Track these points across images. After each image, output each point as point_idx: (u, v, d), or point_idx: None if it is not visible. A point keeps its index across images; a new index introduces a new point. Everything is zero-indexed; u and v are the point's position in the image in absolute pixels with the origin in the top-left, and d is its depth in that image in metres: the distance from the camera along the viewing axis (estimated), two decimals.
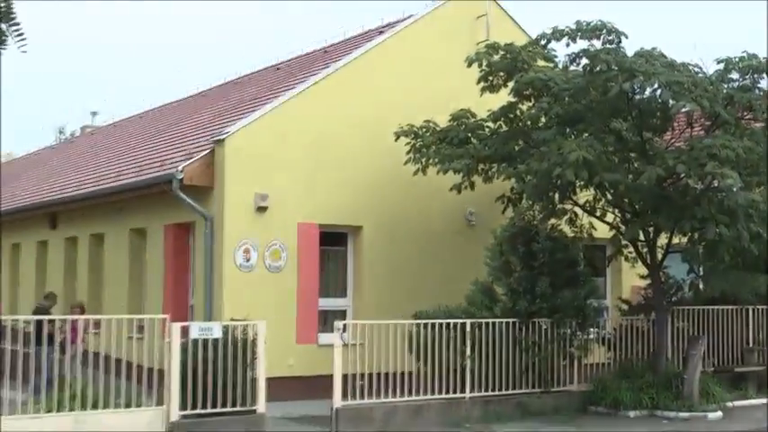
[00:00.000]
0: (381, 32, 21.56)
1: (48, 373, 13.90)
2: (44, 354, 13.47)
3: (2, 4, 7.28)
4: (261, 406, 14.30)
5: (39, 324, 13.60)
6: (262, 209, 18.29)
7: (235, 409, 14.04)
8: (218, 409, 13.89)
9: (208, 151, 18.44)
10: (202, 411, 13.76)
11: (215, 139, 18.50)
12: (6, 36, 7.27)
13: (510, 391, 17.05)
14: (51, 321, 14.93)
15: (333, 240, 19.68)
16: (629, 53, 16.78)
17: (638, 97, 17.11)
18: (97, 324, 15.34)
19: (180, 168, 18.04)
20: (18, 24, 7.30)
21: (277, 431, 15.02)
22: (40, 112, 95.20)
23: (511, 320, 17.20)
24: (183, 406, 13.62)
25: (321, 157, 19.15)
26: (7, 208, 28.32)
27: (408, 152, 18.69)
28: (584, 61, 17.09)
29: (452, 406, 16.36)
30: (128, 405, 13.60)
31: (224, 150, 18.14)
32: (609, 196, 18.25)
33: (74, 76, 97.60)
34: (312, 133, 19.10)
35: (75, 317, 16.51)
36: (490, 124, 18.55)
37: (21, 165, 42.98)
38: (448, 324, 16.56)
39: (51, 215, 25.36)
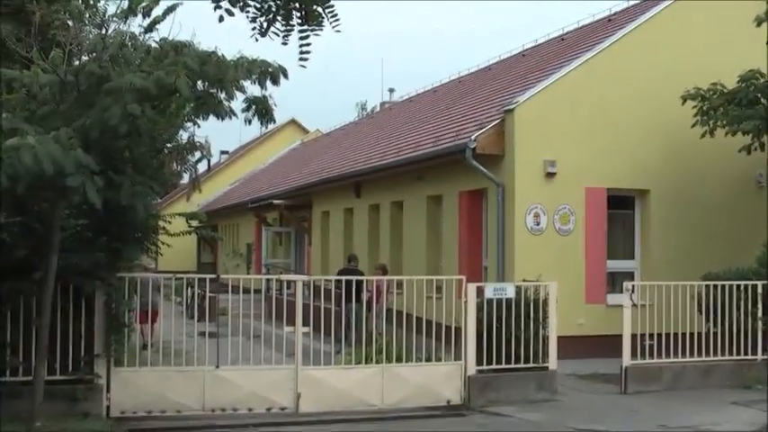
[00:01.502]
0: None
1: (354, 327, 14.46)
2: (352, 312, 13.99)
3: None
4: (552, 363, 14.22)
5: (347, 284, 14.08)
6: (550, 174, 18.12)
7: (527, 365, 14.05)
8: (512, 365, 13.93)
9: (498, 121, 18.47)
10: (497, 367, 13.86)
11: (505, 109, 18.49)
12: (323, 17, 7.47)
13: None
14: (360, 282, 15.51)
15: (620, 204, 19.23)
16: None
17: None
18: (399, 284, 15.78)
19: (473, 138, 18.19)
20: (332, 6, 7.49)
21: (567, 387, 14.88)
22: (345, 92, 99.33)
23: None
24: (479, 361, 13.77)
25: (607, 123, 18.73)
26: (318, 179, 29.68)
27: (695, 115, 17.93)
28: None
29: (743, 367, 15.61)
30: (428, 360, 13.92)
31: (513, 119, 18.11)
32: None
33: (372, 56, 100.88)
34: (597, 100, 18.72)
35: (379, 277, 17.07)
36: None
37: (328, 140, 44.86)
38: (739, 285, 15.78)
39: (356, 185, 26.26)
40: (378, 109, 46.11)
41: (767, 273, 16.40)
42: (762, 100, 17.46)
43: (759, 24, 16.99)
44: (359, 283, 15.14)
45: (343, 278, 15.25)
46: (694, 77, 18.30)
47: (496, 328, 13.80)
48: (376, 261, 23.04)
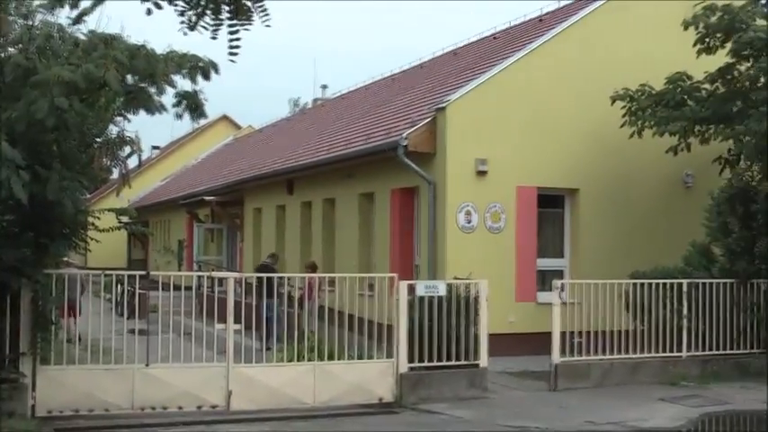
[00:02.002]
0: None
1: (278, 325, 14.37)
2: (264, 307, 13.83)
3: None
4: (483, 360, 14.26)
5: (264, 280, 13.85)
6: (482, 173, 18.21)
7: (458, 362, 14.06)
8: (443, 363, 13.94)
9: (430, 119, 18.52)
10: (428, 364, 13.85)
11: (437, 107, 18.54)
12: (252, 12, 7.38)
13: (728, 351, 16.34)
14: (281, 278, 15.47)
15: (550, 203, 19.41)
16: None
17: None
18: (331, 282, 15.71)
19: (404, 135, 18.19)
20: (262, 1, 7.39)
21: (498, 384, 14.96)
22: (277, 88, 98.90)
23: (729, 281, 16.47)
24: (411, 359, 13.75)
25: (538, 122, 18.89)
26: (250, 176, 29.47)
27: (624, 115, 18.19)
28: None
29: (669, 364, 15.85)
30: (360, 357, 13.86)
31: (445, 118, 18.15)
32: None
33: (303, 51, 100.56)
34: (529, 99, 18.87)
35: (311, 275, 16.99)
36: (707, 86, 17.74)
37: (260, 136, 44.59)
38: (665, 284, 16.01)
39: (288, 181, 26.14)
40: (310, 105, 45.99)
41: (692, 272, 16.69)
42: (688, 102, 17.77)
43: (686, 28, 17.26)
44: (273, 279, 15.07)
45: (255, 275, 15.21)
46: (625, 78, 18.54)
47: (428, 325, 13.79)
48: (308, 258, 22.97)
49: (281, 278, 15.50)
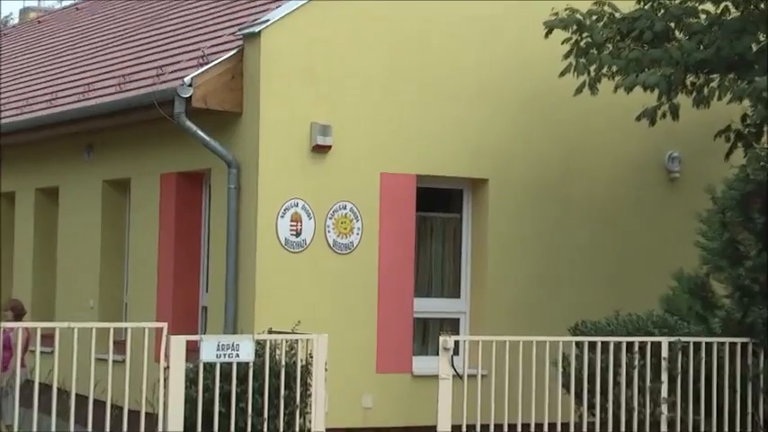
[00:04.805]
0: None
1: None
2: None
3: None
4: None
5: None
6: (321, 149, 18.16)
7: None
8: None
9: (233, 52, 18.39)
10: None
11: (244, 31, 18.39)
12: None
13: None
14: None
15: (439, 202, 19.67)
16: None
17: None
18: (47, 336, 15.34)
19: (187, 81, 17.93)
20: None
21: None
22: None
23: (739, 341, 16.89)
24: None
25: (417, 67, 18.95)
26: None
27: (567, 55, 18.36)
28: None
29: None
30: None
31: (259, 51, 18.04)
32: None
33: None
34: (403, 28, 18.92)
35: (10, 324, 16.59)
36: (708, 6, 18.06)
37: None
38: (631, 344, 16.30)
39: None
40: (16, 21, 45.43)
41: (678, 324, 17.00)
42: (676, 33, 18.03)
43: None
44: None
45: None
46: None
47: (221, 414, 13.71)
48: (5, 296, 22.53)
49: None
